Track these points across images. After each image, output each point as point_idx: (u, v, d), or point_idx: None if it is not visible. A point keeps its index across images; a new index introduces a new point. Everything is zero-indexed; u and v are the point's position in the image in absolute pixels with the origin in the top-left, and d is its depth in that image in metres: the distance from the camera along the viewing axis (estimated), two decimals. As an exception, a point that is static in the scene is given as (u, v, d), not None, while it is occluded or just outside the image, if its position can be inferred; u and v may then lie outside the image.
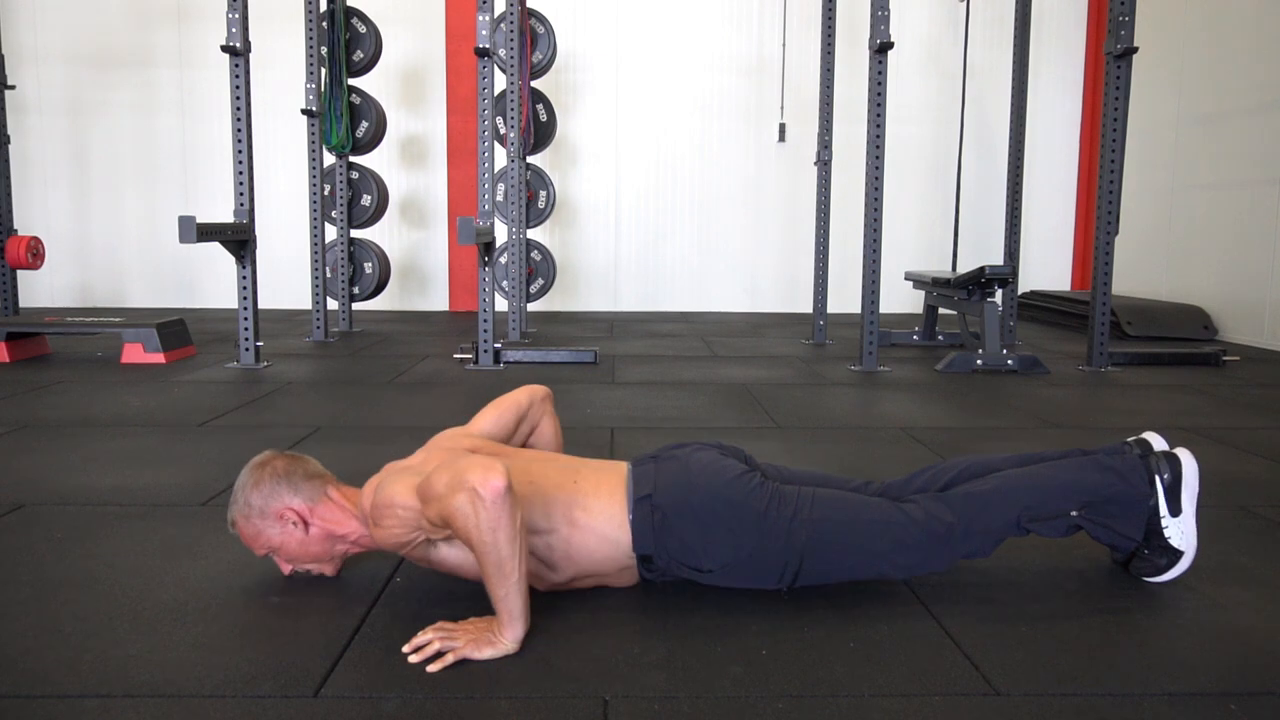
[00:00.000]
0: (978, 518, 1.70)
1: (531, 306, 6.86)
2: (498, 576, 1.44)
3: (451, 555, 1.62)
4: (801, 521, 1.65)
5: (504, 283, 6.10)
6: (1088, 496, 1.72)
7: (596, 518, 1.64)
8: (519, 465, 1.68)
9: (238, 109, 4.42)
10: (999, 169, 6.71)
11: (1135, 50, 4.37)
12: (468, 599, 1.65)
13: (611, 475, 1.70)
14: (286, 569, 1.74)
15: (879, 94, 4.42)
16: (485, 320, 4.54)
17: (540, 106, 6.44)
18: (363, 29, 6.09)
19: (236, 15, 4.31)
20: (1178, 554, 1.75)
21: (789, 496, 1.67)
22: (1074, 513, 1.72)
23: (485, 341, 4.54)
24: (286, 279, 7.38)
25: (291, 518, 1.67)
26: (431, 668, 1.41)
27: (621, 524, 1.64)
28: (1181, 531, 1.74)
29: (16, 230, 5.35)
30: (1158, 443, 1.82)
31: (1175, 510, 1.74)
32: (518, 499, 1.45)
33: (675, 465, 1.70)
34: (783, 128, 7.30)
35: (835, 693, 1.37)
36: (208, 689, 1.35)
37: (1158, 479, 1.74)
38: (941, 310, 5.55)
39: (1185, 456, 1.77)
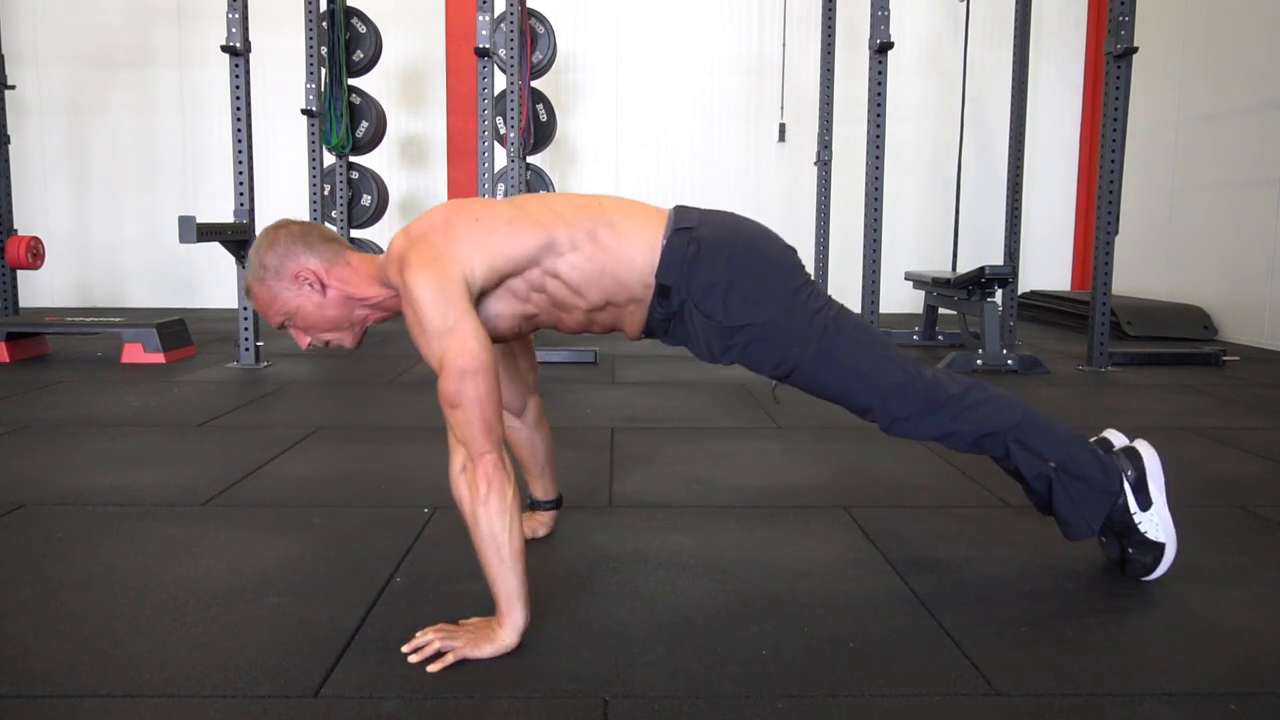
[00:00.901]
0: (978, 405, 1.71)
1: (531, 306, 6.86)
2: (492, 553, 1.44)
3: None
4: (827, 320, 1.64)
5: (504, 283, 6.09)
6: (1067, 460, 1.72)
7: (624, 238, 1.59)
8: (536, 202, 1.63)
9: (238, 109, 4.42)
10: (999, 169, 6.70)
11: (1135, 50, 4.37)
12: (468, 599, 1.65)
13: (647, 207, 1.66)
14: (304, 341, 1.67)
15: (879, 94, 4.42)
16: (485, 320, 4.53)
17: (540, 106, 6.44)
18: (363, 29, 6.09)
19: (236, 15, 4.31)
20: (1159, 547, 1.74)
21: (823, 293, 1.68)
22: (1052, 464, 1.72)
23: (485, 341, 4.53)
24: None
25: (308, 277, 1.60)
26: (431, 668, 1.41)
27: (652, 248, 1.59)
28: (1156, 524, 1.74)
29: (16, 230, 5.35)
30: (1118, 440, 1.82)
31: (1145, 504, 1.74)
32: (511, 476, 1.46)
33: (726, 216, 1.68)
34: (783, 128, 7.30)
35: (835, 693, 1.37)
36: (208, 689, 1.35)
37: (1123, 476, 1.74)
38: (941, 310, 5.55)
39: (1145, 449, 1.77)
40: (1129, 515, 1.74)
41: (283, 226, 1.64)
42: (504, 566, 1.45)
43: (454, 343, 1.45)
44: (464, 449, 1.45)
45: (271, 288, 1.61)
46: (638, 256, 1.59)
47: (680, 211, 1.64)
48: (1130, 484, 1.74)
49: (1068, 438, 1.75)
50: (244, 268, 1.62)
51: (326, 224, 5.91)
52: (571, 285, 1.59)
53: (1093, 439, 1.84)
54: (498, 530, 1.43)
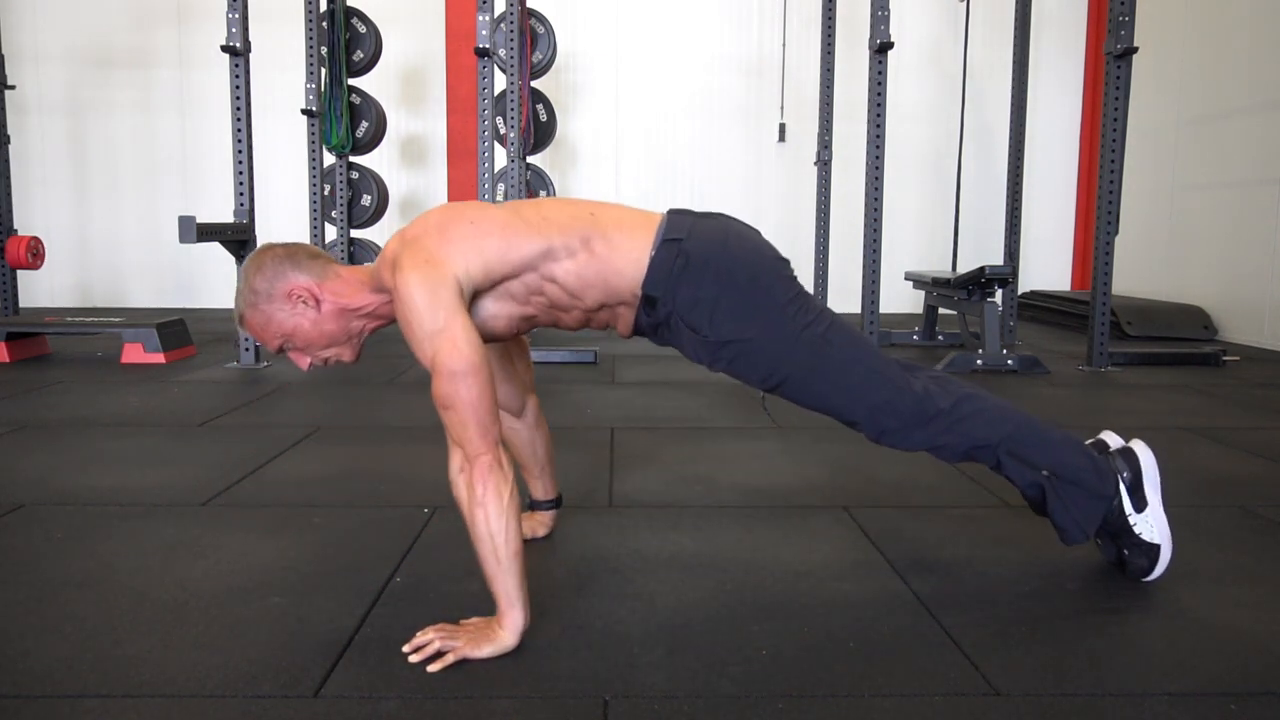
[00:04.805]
0: (969, 417, 1.71)
1: (531, 306, 6.86)
2: (489, 554, 1.45)
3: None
4: (814, 334, 1.63)
5: (504, 283, 6.09)
6: (1060, 467, 1.72)
7: (615, 248, 1.59)
8: (531, 208, 1.63)
9: (238, 109, 4.42)
10: (999, 169, 6.71)
11: (1135, 50, 4.37)
12: (468, 599, 1.65)
13: (639, 215, 1.65)
14: (304, 362, 1.66)
15: (879, 94, 4.42)
16: (485, 320, 4.53)
17: (540, 106, 6.43)
18: (363, 29, 6.09)
19: (236, 15, 4.31)
20: (1155, 548, 1.74)
21: (813, 305, 1.66)
22: (1044, 472, 1.73)
23: (485, 341, 4.53)
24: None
25: (300, 294, 1.59)
26: (432, 667, 1.41)
27: (639, 259, 1.59)
28: (1151, 525, 1.74)
29: (16, 230, 5.35)
30: (1114, 441, 1.82)
31: (1140, 505, 1.74)
32: (509, 476, 1.46)
33: (716, 224, 1.66)
34: (783, 128, 7.29)
35: (835, 693, 1.37)
36: (208, 689, 1.35)
37: (1119, 478, 1.74)
38: (941, 310, 5.55)
39: (1141, 449, 1.77)
40: (1124, 517, 1.74)
41: (267, 250, 1.63)
42: (501, 567, 1.45)
43: (444, 343, 1.45)
44: (455, 453, 1.45)
45: (265, 311, 1.60)
46: (627, 268, 1.59)
47: (673, 219, 1.63)
48: (1126, 486, 1.74)
49: (1062, 444, 1.75)
50: (241, 280, 1.62)
51: (327, 223, 5.92)
52: (570, 290, 1.60)
53: (1088, 441, 1.83)
54: (495, 531, 1.43)
